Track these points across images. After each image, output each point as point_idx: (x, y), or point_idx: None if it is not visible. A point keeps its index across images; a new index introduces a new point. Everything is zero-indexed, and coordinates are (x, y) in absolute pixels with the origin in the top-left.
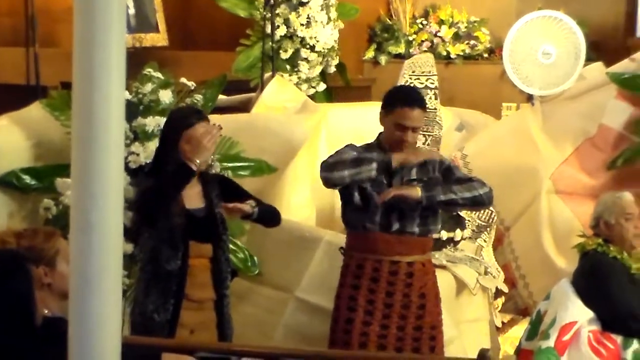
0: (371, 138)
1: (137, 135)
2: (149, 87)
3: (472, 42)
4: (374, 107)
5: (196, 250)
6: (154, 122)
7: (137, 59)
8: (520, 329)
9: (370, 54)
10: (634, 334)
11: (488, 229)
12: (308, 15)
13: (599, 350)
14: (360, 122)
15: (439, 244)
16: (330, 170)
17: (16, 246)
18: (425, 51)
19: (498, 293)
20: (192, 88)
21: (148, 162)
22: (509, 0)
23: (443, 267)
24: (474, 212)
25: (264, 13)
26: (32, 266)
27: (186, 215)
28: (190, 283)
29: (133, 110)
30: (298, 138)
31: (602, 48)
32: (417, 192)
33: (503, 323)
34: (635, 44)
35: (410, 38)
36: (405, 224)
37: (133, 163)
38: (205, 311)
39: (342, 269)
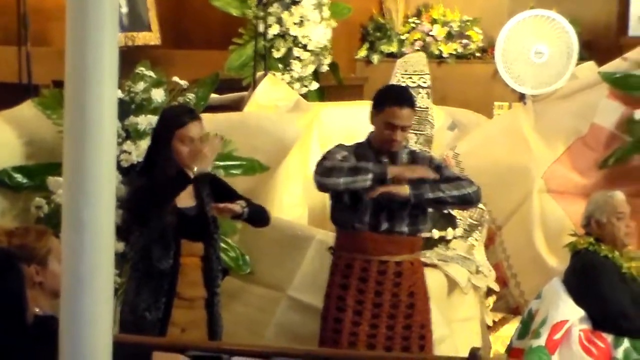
0: (363, 137)
1: (129, 134)
2: (141, 85)
3: (464, 41)
4: (367, 106)
5: (187, 249)
6: (146, 121)
7: (129, 58)
8: (511, 328)
9: (362, 53)
10: (625, 332)
11: (480, 227)
12: (301, 14)
13: (589, 349)
14: (352, 121)
15: (431, 243)
16: (326, 175)
17: (7, 245)
18: (417, 50)
19: (489, 292)
20: (185, 87)
21: (140, 160)
22: None
23: (435, 266)
24: (465, 211)
25: (257, 12)
26: (23, 265)
27: (178, 214)
28: (182, 281)
29: (125, 109)
30: (290, 137)
31: (594, 47)
32: (405, 190)
33: (494, 322)
34: (628, 43)
35: (403, 37)
36: (394, 224)
37: (125, 162)
38: (196, 310)
39: (331, 269)
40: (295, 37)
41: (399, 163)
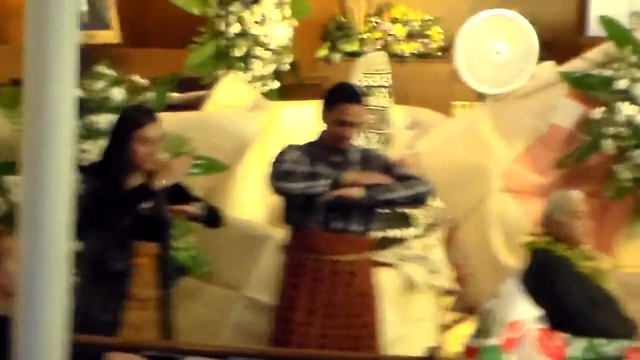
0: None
1: (88, 133)
2: (100, 84)
3: (425, 40)
4: None
5: (142, 250)
6: (106, 120)
7: (89, 56)
8: (468, 327)
9: (323, 52)
10: (581, 332)
11: (438, 227)
12: (262, 13)
13: (545, 348)
14: (313, 120)
15: (389, 242)
16: (283, 179)
17: None
18: (378, 49)
19: (448, 291)
20: (145, 86)
21: (98, 160)
22: None
23: (392, 265)
24: (424, 211)
25: (217, 10)
26: None
27: (134, 215)
28: (135, 282)
29: (84, 108)
30: (250, 136)
31: (554, 47)
32: (359, 191)
33: (451, 321)
34: (587, 43)
35: (364, 36)
36: (348, 223)
37: (83, 161)
38: (149, 310)
39: (284, 268)
40: (256, 36)
41: (352, 162)
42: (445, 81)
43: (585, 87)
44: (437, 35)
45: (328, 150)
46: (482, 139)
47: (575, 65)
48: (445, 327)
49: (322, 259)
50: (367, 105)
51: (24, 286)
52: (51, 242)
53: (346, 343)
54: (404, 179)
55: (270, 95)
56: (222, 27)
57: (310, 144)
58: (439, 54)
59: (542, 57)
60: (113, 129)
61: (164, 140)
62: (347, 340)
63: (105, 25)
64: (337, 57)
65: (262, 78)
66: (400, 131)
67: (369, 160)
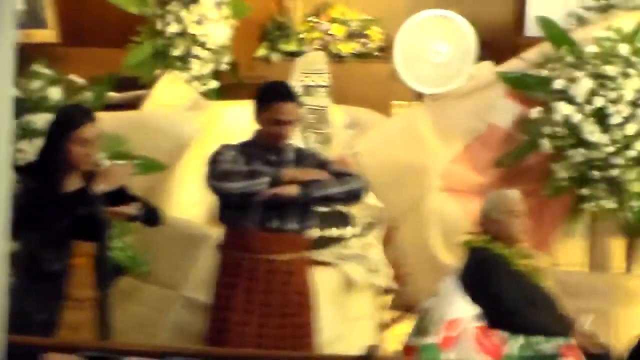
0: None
1: (25, 133)
2: (37, 83)
3: (364, 40)
4: None
5: (79, 250)
6: (43, 119)
7: (26, 55)
8: (407, 326)
9: (262, 51)
10: (518, 329)
11: (377, 226)
12: (200, 12)
13: (484, 346)
14: (252, 120)
15: (327, 241)
16: (222, 180)
17: None
18: (317, 49)
19: (386, 290)
20: (82, 85)
21: (34, 160)
22: None
23: (331, 264)
24: (363, 209)
25: (155, 10)
26: None
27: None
28: (72, 282)
29: (21, 107)
30: (188, 135)
31: (492, 47)
32: (294, 189)
33: (390, 320)
34: (525, 43)
35: (303, 36)
36: (284, 222)
37: (20, 161)
38: (86, 310)
39: (219, 268)
40: (195, 36)
41: (287, 160)
42: (384, 81)
43: (523, 87)
44: (376, 35)
45: (263, 149)
46: (421, 138)
47: (513, 65)
48: (384, 326)
49: (258, 258)
50: (300, 103)
51: None
52: None
53: (283, 342)
54: (338, 175)
55: (209, 94)
56: (161, 26)
57: (244, 144)
58: (378, 53)
59: (481, 57)
60: (49, 128)
61: (101, 140)
62: (283, 339)
63: (42, 24)
64: (276, 56)
65: (201, 78)
66: (339, 131)
67: (303, 159)
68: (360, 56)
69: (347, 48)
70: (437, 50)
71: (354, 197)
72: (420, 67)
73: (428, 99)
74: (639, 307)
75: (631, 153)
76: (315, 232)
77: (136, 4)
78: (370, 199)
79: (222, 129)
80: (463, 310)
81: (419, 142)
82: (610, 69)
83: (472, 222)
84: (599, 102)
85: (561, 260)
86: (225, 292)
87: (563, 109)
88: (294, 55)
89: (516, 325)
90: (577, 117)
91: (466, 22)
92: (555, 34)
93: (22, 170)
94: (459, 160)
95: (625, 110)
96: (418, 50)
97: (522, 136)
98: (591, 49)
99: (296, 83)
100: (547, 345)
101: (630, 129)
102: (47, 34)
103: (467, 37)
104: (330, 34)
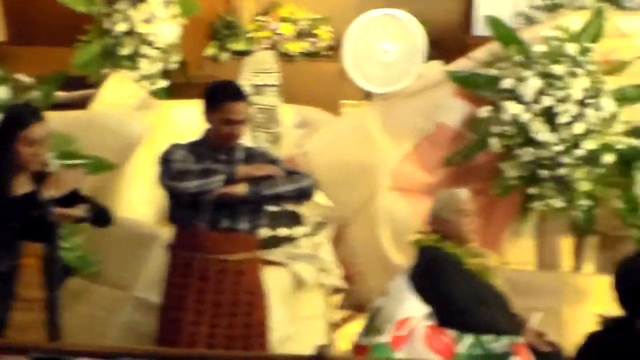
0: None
1: None
2: None
3: (313, 39)
4: None
5: (28, 250)
6: None
7: None
8: (357, 325)
9: (211, 50)
10: (468, 328)
11: (327, 225)
12: (148, 11)
13: (434, 345)
14: (201, 119)
15: (277, 241)
16: (176, 179)
17: None
18: (266, 48)
19: (336, 290)
20: (30, 84)
21: None
22: None
23: (281, 264)
24: (314, 209)
25: (103, 8)
26: None
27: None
28: (21, 283)
29: None
30: (137, 135)
31: (441, 46)
32: (242, 188)
33: (341, 319)
34: (473, 43)
35: (252, 35)
36: (235, 221)
37: None
38: (35, 311)
39: (169, 268)
40: (143, 35)
41: (237, 159)
42: (333, 80)
43: (471, 86)
44: (325, 34)
45: (213, 148)
46: (371, 137)
47: (462, 64)
48: (335, 326)
49: (209, 258)
50: (249, 102)
51: None
52: None
53: (234, 342)
54: (288, 174)
55: (158, 94)
56: (109, 25)
57: (194, 143)
58: (327, 53)
59: (430, 57)
60: None
61: (49, 140)
62: (235, 339)
63: None
64: (225, 55)
65: (149, 77)
66: (289, 130)
67: (253, 157)
68: (309, 55)
69: (296, 47)
70: (386, 49)
71: (303, 195)
72: (369, 66)
73: (377, 98)
74: (588, 306)
75: (579, 152)
76: (265, 232)
77: (84, 3)
78: (320, 198)
79: (171, 128)
80: (413, 310)
81: (368, 141)
82: (558, 68)
83: (422, 221)
84: (547, 101)
85: (511, 259)
86: (176, 292)
87: (511, 108)
88: (243, 54)
89: (466, 324)
90: (525, 116)
91: (415, 22)
92: (503, 33)
93: None
94: (408, 160)
95: (573, 109)
96: (367, 49)
97: (471, 135)
98: (539, 48)
99: (245, 82)
100: (497, 344)
101: (578, 128)
102: None
103: (416, 36)
104: (279, 33)
